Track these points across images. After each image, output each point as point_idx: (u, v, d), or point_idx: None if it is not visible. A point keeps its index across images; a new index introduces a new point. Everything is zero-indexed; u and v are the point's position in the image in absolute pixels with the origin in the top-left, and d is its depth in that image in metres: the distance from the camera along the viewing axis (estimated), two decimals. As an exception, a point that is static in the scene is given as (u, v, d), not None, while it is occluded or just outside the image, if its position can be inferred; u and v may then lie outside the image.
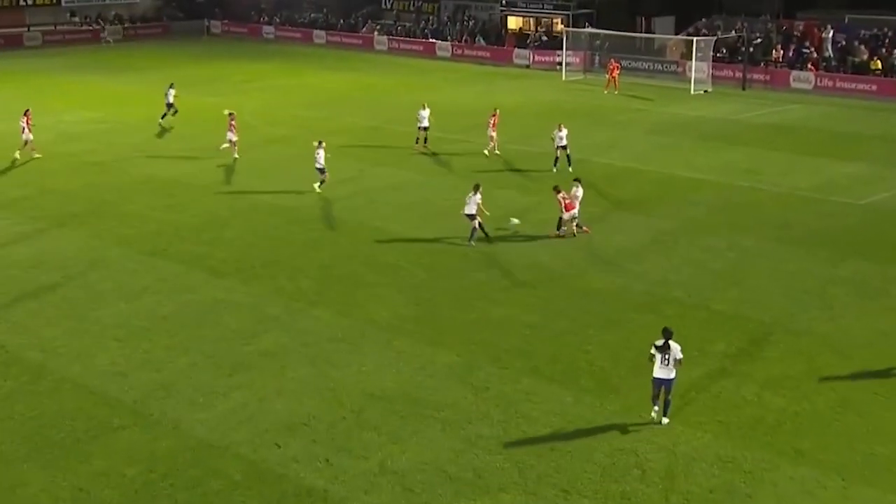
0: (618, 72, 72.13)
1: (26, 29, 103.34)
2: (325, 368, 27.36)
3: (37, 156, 50.22)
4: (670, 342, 23.71)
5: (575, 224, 38.20)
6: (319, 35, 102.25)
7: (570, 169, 46.97)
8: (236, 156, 50.46)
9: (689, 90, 72.74)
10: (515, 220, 38.29)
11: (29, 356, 28.40)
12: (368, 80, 79.14)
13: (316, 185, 44.18)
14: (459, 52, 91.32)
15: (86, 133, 58.64)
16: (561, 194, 37.66)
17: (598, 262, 35.62)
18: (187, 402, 25.49)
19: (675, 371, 23.75)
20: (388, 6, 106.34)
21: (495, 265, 35.39)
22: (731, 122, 62.43)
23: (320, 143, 44.61)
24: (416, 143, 53.11)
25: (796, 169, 49.60)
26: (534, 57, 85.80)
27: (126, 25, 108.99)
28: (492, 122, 51.42)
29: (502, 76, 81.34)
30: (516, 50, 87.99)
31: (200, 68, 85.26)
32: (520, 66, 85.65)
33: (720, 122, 62.08)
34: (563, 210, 37.68)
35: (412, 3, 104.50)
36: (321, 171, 44.19)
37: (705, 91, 72.69)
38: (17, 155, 50.03)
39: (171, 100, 59.65)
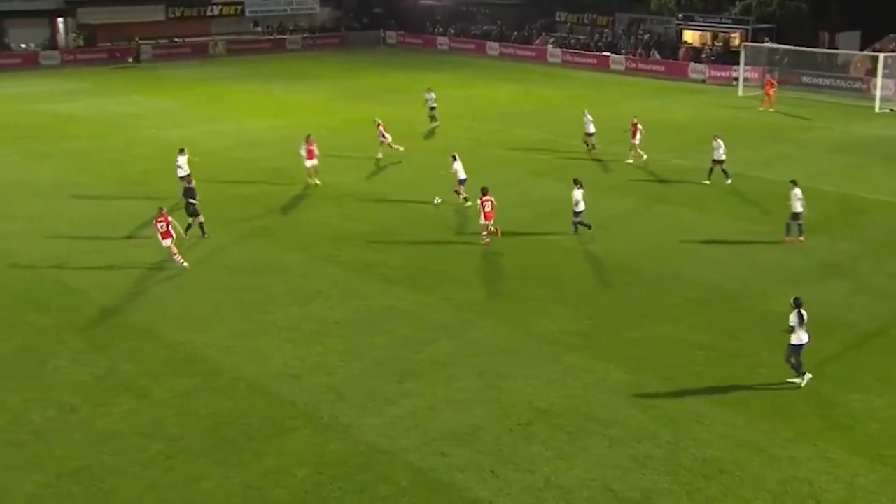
0: (773, 89, 70.51)
1: (212, 38, 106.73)
2: (492, 380, 27.46)
3: (316, 182, 48.59)
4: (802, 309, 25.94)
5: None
6: (493, 47, 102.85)
7: (728, 182, 47.15)
8: (380, 155, 53.38)
9: (874, 108, 70.70)
10: (438, 199, 40.75)
11: (207, 354, 29.29)
12: (541, 92, 79.22)
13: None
14: (633, 65, 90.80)
15: (264, 140, 60.09)
16: (486, 198, 38.60)
17: (773, 283, 34.85)
18: (358, 407, 25.88)
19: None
20: (563, 19, 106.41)
21: (662, 281, 35.00)
22: (918, 141, 60.46)
23: (182, 150, 46.56)
24: (587, 147, 55.01)
25: None
26: (710, 72, 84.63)
27: (305, 36, 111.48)
28: (632, 131, 52.61)
29: (677, 91, 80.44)
30: (692, 64, 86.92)
31: (376, 78, 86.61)
32: (695, 81, 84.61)
33: (907, 143, 60.16)
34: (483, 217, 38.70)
35: (586, 15, 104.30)
36: (184, 178, 43.57)
37: (891, 109, 70.50)
38: (317, 181, 48.89)
39: (433, 104, 63.12)
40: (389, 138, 53.44)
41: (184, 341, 30.13)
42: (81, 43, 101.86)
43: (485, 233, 38.98)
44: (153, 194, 46.15)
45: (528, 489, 22.14)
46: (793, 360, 26.93)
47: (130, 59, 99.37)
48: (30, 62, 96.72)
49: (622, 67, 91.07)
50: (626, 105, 71.87)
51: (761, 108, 69.73)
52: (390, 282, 35.21)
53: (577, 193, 39.50)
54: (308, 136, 48.13)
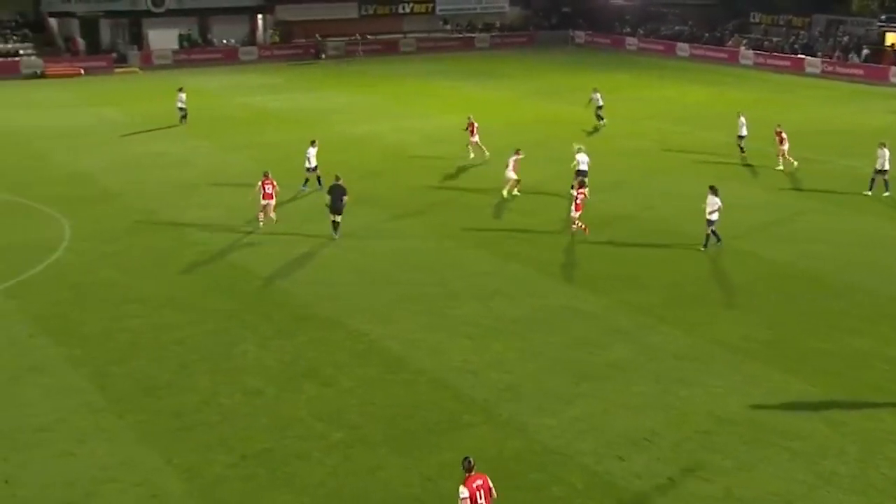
0: None
1: (403, 35, 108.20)
2: (670, 385, 27.09)
3: (515, 193, 46.82)
4: None
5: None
6: (683, 48, 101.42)
7: (888, 193, 45.67)
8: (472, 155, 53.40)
9: None
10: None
11: (390, 346, 29.69)
12: (731, 94, 77.66)
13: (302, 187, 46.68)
14: (830, 69, 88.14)
15: (450, 137, 60.44)
16: (581, 190, 39.42)
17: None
18: (535, 407, 25.86)
19: None
20: (757, 20, 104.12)
21: (856, 292, 33.96)
22: None
23: (313, 142, 47.19)
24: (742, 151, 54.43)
25: None
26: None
27: (493, 34, 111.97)
28: (778, 138, 51.53)
29: (877, 96, 77.81)
30: (894, 68, 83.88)
31: (563, 77, 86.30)
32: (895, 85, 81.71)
33: None
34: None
35: (781, 17, 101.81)
36: (310, 170, 46.62)
37: None
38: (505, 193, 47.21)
39: (600, 103, 62.73)
40: (476, 138, 53.92)
41: (367, 332, 30.61)
42: (277, 39, 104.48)
43: (573, 226, 39.36)
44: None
45: (707, 499, 21.78)
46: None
47: (323, 56, 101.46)
48: (230, 57, 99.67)
49: (818, 70, 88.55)
50: (818, 109, 70.07)
51: None
52: (569, 282, 35.10)
53: (712, 200, 37.83)
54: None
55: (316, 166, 46.34)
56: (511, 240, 39.64)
